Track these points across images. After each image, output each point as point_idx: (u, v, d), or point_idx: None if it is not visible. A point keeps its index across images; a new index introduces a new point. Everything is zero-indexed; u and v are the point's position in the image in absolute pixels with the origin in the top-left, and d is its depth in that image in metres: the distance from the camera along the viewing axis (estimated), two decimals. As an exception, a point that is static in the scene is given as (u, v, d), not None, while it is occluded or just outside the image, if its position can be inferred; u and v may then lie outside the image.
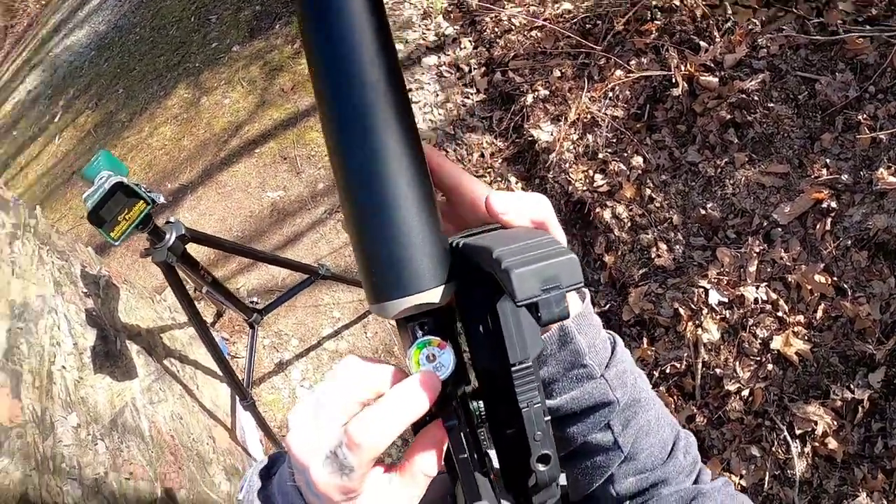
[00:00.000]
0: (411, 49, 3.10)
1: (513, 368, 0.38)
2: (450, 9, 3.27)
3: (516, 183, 2.42)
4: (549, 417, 0.39)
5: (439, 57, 3.07)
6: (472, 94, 2.83)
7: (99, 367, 1.53)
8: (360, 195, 0.36)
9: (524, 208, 0.41)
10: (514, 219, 0.40)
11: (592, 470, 0.54)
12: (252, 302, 2.28)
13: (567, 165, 2.32)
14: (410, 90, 2.89)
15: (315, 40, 0.36)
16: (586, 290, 0.50)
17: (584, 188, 2.27)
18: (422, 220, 0.37)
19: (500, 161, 2.50)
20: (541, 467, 0.38)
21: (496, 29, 2.99)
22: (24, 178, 3.85)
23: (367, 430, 0.35)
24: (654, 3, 2.49)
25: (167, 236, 1.53)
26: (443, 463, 0.40)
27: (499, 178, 2.45)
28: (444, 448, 0.39)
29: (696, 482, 0.55)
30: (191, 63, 3.73)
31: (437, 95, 2.86)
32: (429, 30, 3.23)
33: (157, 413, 1.70)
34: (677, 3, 2.48)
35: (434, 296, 0.37)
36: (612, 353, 0.53)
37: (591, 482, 0.54)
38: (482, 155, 2.53)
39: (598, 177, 2.28)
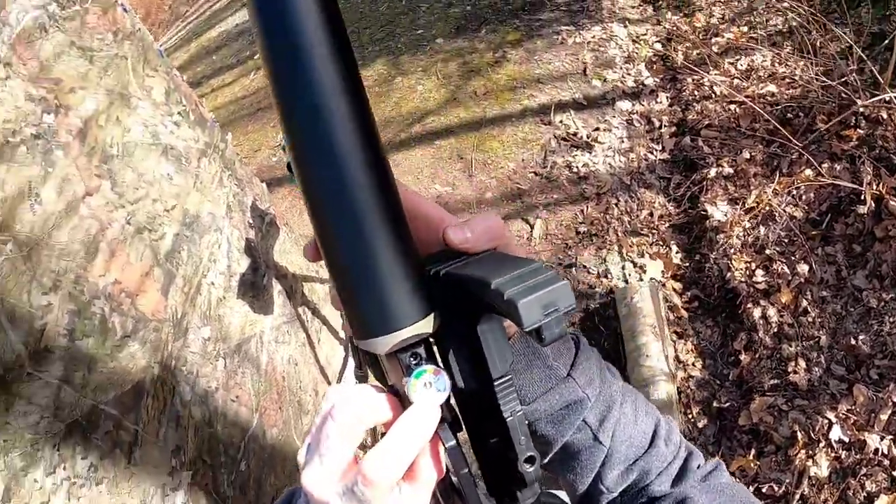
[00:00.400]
0: (608, 89, 3.45)
1: (496, 382, 0.45)
2: (654, 59, 3.58)
3: (676, 252, 2.73)
4: (527, 422, 0.48)
5: (633, 104, 3.39)
6: (657, 150, 3.14)
7: (242, 294, 1.70)
8: (340, 240, 0.41)
9: (481, 237, 0.46)
10: (474, 246, 0.46)
11: (580, 470, 0.59)
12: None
13: (732, 251, 2.58)
14: (598, 129, 3.25)
15: (273, 63, 0.39)
16: None
17: (742, 280, 2.49)
18: (402, 256, 0.41)
19: (666, 225, 2.82)
20: (528, 468, 0.45)
21: (696, 93, 3.26)
22: (212, 100, 4.49)
23: (382, 467, 0.40)
24: (861, 110, 2.58)
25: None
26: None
27: (660, 242, 2.77)
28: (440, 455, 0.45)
29: (684, 467, 0.61)
30: (394, 42, 4.24)
31: (623, 142, 3.20)
32: (629, 75, 3.56)
33: (277, 352, 1.89)
34: (884, 117, 2.58)
35: (425, 326, 0.42)
36: (577, 352, 0.58)
37: (582, 482, 0.60)
38: (651, 214, 2.86)
39: (759, 272, 2.49)
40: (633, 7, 3.98)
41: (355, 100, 0.40)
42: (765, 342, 2.35)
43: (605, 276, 2.69)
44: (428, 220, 0.51)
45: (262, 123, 4.07)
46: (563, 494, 0.74)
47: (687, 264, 2.69)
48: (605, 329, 2.54)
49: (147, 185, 1.27)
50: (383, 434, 0.43)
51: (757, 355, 2.35)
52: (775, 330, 2.37)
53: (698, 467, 0.61)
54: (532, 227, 2.94)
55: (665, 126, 3.21)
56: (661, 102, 3.36)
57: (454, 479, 0.45)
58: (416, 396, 0.43)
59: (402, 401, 0.44)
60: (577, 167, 3.13)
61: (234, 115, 4.26)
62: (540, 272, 0.39)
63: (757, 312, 2.42)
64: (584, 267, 2.74)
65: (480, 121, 3.47)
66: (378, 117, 3.68)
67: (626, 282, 2.66)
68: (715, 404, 2.31)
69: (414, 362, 0.44)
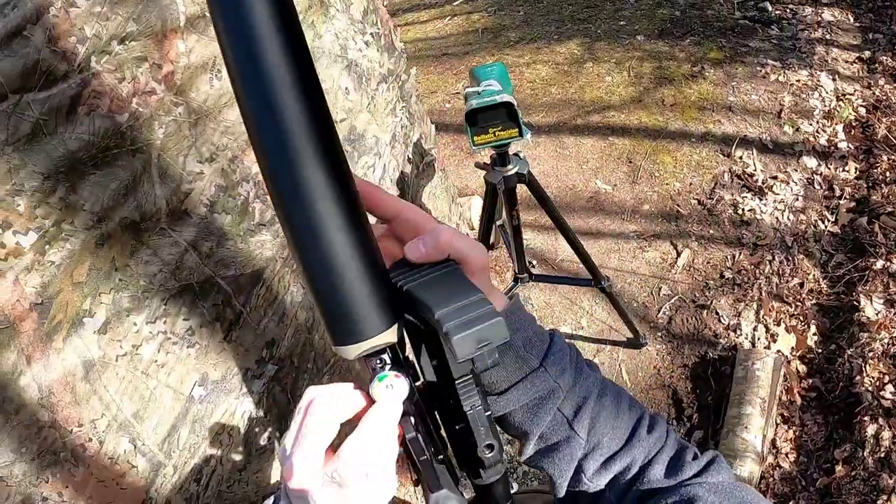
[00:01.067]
0: (798, 139, 3.21)
1: (457, 382, 0.51)
2: (854, 124, 3.30)
3: (813, 334, 2.53)
4: (489, 412, 0.52)
5: (819, 164, 3.15)
6: (829, 220, 2.91)
7: (379, 219, 1.81)
8: (309, 262, 0.46)
9: (433, 252, 0.52)
10: (431, 260, 0.52)
11: (559, 461, 0.61)
12: (529, 262, 2.68)
13: (870, 355, 2.38)
14: (776, 178, 3.04)
15: (236, 71, 0.42)
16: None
17: (870, 389, 2.30)
18: (366, 274, 0.46)
19: (812, 301, 2.61)
20: (487, 453, 0.52)
21: (888, 174, 3.00)
22: (402, 33, 4.57)
23: (358, 454, 0.47)
24: None
25: (510, 166, 1.74)
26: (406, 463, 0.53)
27: (801, 317, 2.57)
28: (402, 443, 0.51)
29: (677, 465, 0.62)
30: (593, 26, 4.14)
31: (797, 200, 2.98)
32: (824, 131, 3.30)
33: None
34: None
35: (387, 337, 0.48)
36: (550, 344, 0.61)
37: (563, 474, 0.62)
38: (801, 284, 2.66)
39: (889, 388, 2.29)
40: (847, 62, 3.65)
41: (321, 133, 0.43)
42: (867, 463, 2.16)
43: (734, 331, 2.54)
44: (408, 224, 0.56)
45: (445, 69, 4.10)
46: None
47: (819, 350, 2.49)
48: (714, 384, 2.41)
49: (325, 92, 1.29)
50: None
51: (853, 473, 2.16)
52: (882, 455, 2.17)
53: (694, 459, 0.63)
54: (679, 254, 2.82)
55: (845, 199, 2.97)
56: (848, 171, 3.10)
57: (417, 463, 0.51)
58: (377, 396, 0.49)
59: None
60: (743, 210, 2.95)
61: (420, 52, 4.33)
62: (479, 305, 0.44)
63: (871, 429, 2.22)
64: (717, 314, 2.60)
65: (660, 131, 3.33)
66: (560, 97, 3.62)
67: (753, 345, 2.49)
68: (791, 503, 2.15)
69: (379, 366, 0.50)
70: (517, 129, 1.54)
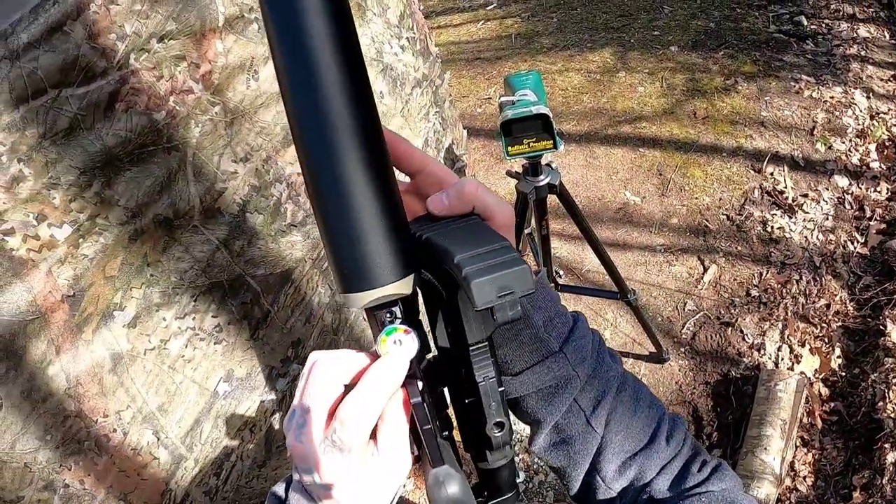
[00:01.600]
0: (830, 157, 3.15)
1: (471, 348, 0.47)
2: (887, 143, 3.23)
3: (838, 356, 2.48)
4: (502, 388, 0.48)
5: (850, 184, 3.09)
6: (858, 241, 2.86)
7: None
8: (325, 194, 0.42)
9: (456, 203, 0.48)
10: (453, 212, 0.48)
11: (574, 457, 0.58)
12: (556, 272, 2.66)
13: (894, 381, 2.33)
14: (806, 196, 2.99)
15: (273, 34, 0.40)
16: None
17: (892, 416, 2.24)
18: (386, 216, 0.43)
19: (838, 323, 2.57)
20: (496, 432, 0.47)
21: None
22: (435, 37, 4.58)
23: (354, 411, 0.42)
24: None
25: (542, 177, 1.72)
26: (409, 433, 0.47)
27: (826, 339, 2.53)
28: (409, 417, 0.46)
29: (681, 474, 0.58)
30: (626, 35, 4.11)
31: (827, 219, 2.93)
32: (856, 150, 3.24)
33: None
34: None
35: (399, 287, 0.44)
36: (573, 328, 0.57)
37: (577, 471, 0.58)
38: (828, 306, 2.61)
39: None
40: (882, 80, 3.58)
41: (347, 64, 0.40)
42: (885, 491, 2.09)
43: (758, 350, 2.50)
44: (432, 178, 0.53)
45: (477, 73, 4.10)
46: None
47: (843, 374, 2.44)
48: (735, 402, 2.37)
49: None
50: None
51: (871, 501, 2.09)
52: (904, 484, 2.12)
53: (700, 468, 0.59)
54: (705, 269, 2.78)
55: (876, 220, 2.90)
56: (879, 192, 3.03)
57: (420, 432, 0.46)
58: (383, 351, 0.45)
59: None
60: (772, 227, 2.90)
61: (452, 56, 4.33)
62: (503, 252, 0.39)
63: (891, 457, 2.16)
64: (741, 332, 2.56)
65: (691, 144, 3.29)
66: (592, 106, 3.60)
67: (777, 365, 2.45)
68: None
69: (388, 319, 0.46)
70: (552, 141, 1.52)
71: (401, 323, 0.46)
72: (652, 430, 0.59)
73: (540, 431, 0.58)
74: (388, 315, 0.46)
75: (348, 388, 0.45)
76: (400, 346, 0.45)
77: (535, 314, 0.55)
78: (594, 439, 0.57)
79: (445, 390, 0.52)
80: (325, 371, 0.45)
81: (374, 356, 0.46)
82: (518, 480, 0.55)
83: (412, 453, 0.48)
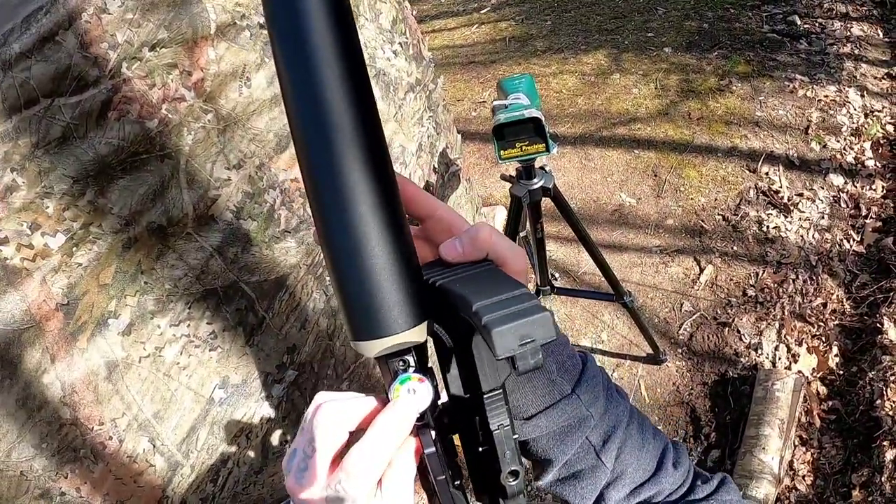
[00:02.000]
0: (825, 156, 3.16)
1: (485, 396, 0.46)
2: (882, 142, 3.25)
3: (835, 355, 2.49)
4: (517, 436, 0.47)
5: (846, 182, 3.10)
6: (854, 240, 2.87)
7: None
8: (336, 242, 0.42)
9: (471, 251, 0.47)
10: (467, 259, 0.47)
11: (582, 491, 0.58)
12: (552, 275, 2.67)
13: (892, 379, 2.32)
14: (801, 195, 3.00)
15: (283, 65, 0.40)
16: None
17: (890, 413, 2.24)
18: (399, 262, 0.42)
19: (835, 322, 2.57)
20: (511, 481, 0.46)
21: None
22: (430, 41, 4.59)
23: (360, 462, 0.41)
24: None
25: (536, 180, 1.73)
26: (420, 480, 0.47)
27: (823, 337, 2.53)
28: (419, 462, 0.45)
29: (688, 491, 0.59)
30: (620, 37, 4.12)
31: (823, 218, 2.94)
32: (851, 149, 3.25)
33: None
34: None
35: (413, 335, 0.43)
36: (583, 369, 0.57)
37: (583, 503, 0.59)
38: (824, 305, 2.62)
39: None
40: (877, 78, 3.60)
41: (361, 109, 0.40)
42: (884, 489, 2.10)
43: (755, 350, 2.50)
44: (442, 223, 0.52)
45: (472, 76, 4.11)
46: None
47: (841, 372, 2.44)
48: (733, 402, 2.38)
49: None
50: None
51: (870, 499, 2.10)
52: (903, 481, 2.12)
53: (705, 482, 0.60)
54: (702, 270, 2.79)
55: (871, 218, 2.91)
56: (875, 190, 3.04)
57: (433, 483, 0.45)
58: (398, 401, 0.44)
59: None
60: (767, 227, 2.91)
61: (446, 60, 4.34)
62: (523, 300, 0.38)
63: (890, 454, 2.17)
64: (738, 332, 2.57)
65: (686, 145, 3.30)
66: (586, 108, 3.61)
67: (774, 364, 2.46)
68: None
69: (401, 368, 0.45)
70: (544, 145, 1.53)
71: (414, 371, 0.45)
72: (658, 459, 0.59)
73: (550, 469, 0.58)
74: (401, 363, 0.45)
75: (354, 433, 0.45)
76: (414, 396, 0.44)
77: (547, 359, 0.56)
78: (603, 474, 0.57)
79: (456, 437, 0.51)
80: (330, 415, 0.44)
81: (383, 401, 0.45)
82: None
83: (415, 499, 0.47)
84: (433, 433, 0.45)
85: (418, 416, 0.44)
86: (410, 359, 0.45)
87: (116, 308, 0.88)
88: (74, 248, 0.82)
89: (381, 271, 0.42)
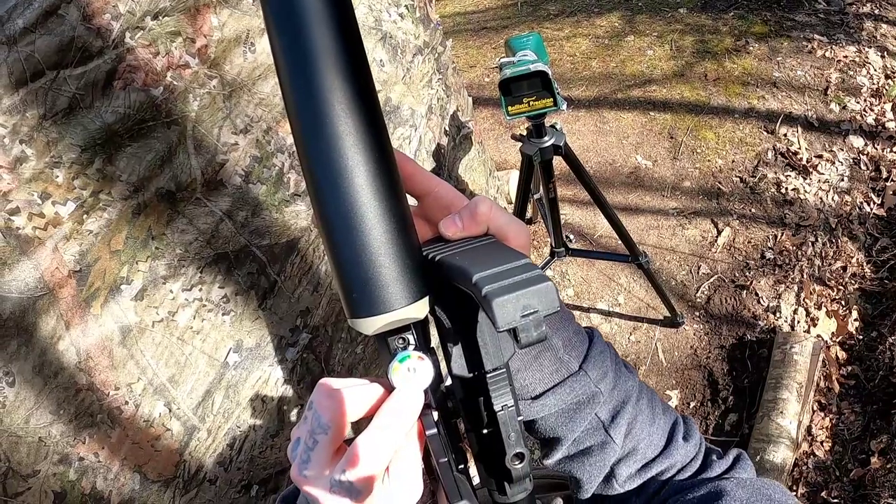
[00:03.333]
0: (845, 118, 3.11)
1: (488, 375, 0.45)
2: (903, 103, 3.21)
3: (855, 319, 2.47)
4: (521, 417, 0.46)
5: (866, 144, 3.04)
6: (874, 202, 2.82)
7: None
8: (332, 214, 0.40)
9: (470, 225, 0.46)
10: (467, 234, 0.46)
11: (591, 468, 0.57)
12: (567, 236, 2.66)
13: (915, 341, 2.32)
14: (821, 156, 2.96)
15: (279, 40, 0.39)
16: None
17: None
18: (396, 235, 0.41)
19: (855, 286, 2.55)
20: (516, 464, 0.44)
21: None
22: (440, 7, 4.54)
23: (367, 451, 0.39)
24: None
25: (546, 138, 1.70)
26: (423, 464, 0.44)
27: (842, 301, 2.51)
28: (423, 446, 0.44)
29: (703, 466, 0.59)
30: (635, -1, 4.05)
31: (842, 181, 2.90)
32: (871, 110, 3.18)
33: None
34: None
35: (413, 311, 0.42)
36: (590, 345, 0.56)
37: (593, 480, 0.57)
38: (844, 268, 2.59)
39: None
40: (896, 38, 3.52)
41: (355, 79, 0.39)
42: (906, 455, 2.10)
43: (773, 314, 2.49)
44: (440, 201, 0.51)
45: (484, 42, 4.06)
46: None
47: (860, 337, 2.42)
48: (751, 366, 2.37)
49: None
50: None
51: (889, 465, 2.09)
52: (926, 447, 2.11)
53: (720, 458, 0.59)
54: (719, 232, 2.76)
55: (892, 180, 2.86)
56: (895, 152, 3.00)
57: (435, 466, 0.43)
58: (397, 381, 0.42)
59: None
60: (786, 189, 2.87)
61: (458, 26, 4.29)
62: (525, 269, 0.37)
63: (914, 418, 2.16)
64: (756, 295, 2.55)
65: (702, 106, 3.25)
66: (601, 71, 3.56)
67: (793, 328, 2.44)
68: (823, 494, 2.10)
69: (401, 346, 0.43)
70: (552, 99, 1.50)
71: (414, 349, 0.43)
72: (668, 434, 0.59)
73: (558, 447, 0.57)
74: (400, 341, 0.43)
75: (358, 422, 0.43)
76: (415, 375, 0.42)
77: (553, 336, 0.54)
78: (613, 450, 0.56)
79: (459, 420, 0.50)
80: (333, 403, 0.42)
81: (388, 387, 0.43)
82: None
83: (424, 484, 0.45)
84: (435, 414, 0.44)
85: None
86: (410, 336, 0.43)
87: (129, 274, 0.89)
88: (85, 216, 0.83)
89: (379, 244, 0.40)
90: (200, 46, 0.95)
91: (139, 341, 0.92)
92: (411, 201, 0.50)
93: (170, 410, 0.98)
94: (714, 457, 0.59)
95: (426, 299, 0.43)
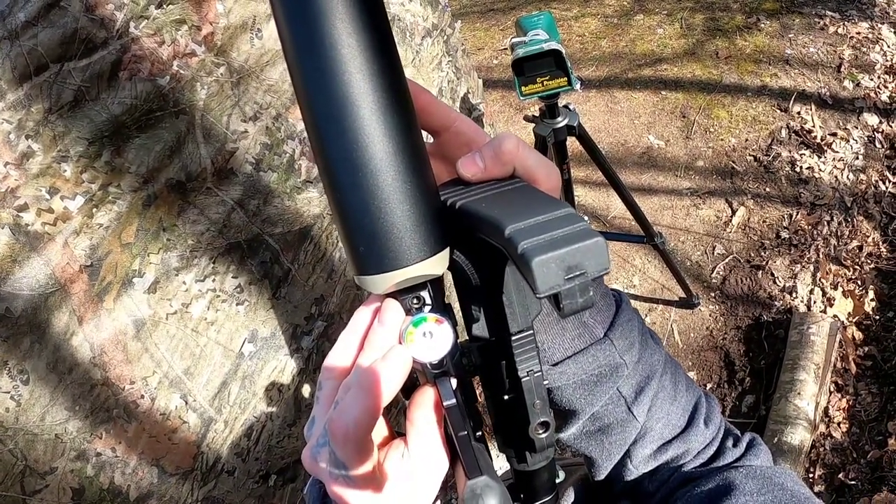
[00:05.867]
0: (858, 95, 3.05)
1: (513, 338, 0.40)
2: (918, 80, 3.15)
3: (871, 300, 2.43)
4: (547, 382, 0.42)
5: (881, 122, 2.99)
6: (890, 181, 2.78)
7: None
8: (334, 153, 0.34)
9: (494, 166, 0.39)
10: (490, 176, 0.40)
11: (609, 446, 0.53)
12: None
13: (933, 323, 2.28)
14: (835, 134, 2.91)
15: None
16: None
17: None
18: (409, 178, 0.35)
19: (871, 266, 2.51)
20: (541, 433, 0.40)
21: None
22: (453, -13, 4.48)
23: (340, 423, 0.35)
24: None
25: (560, 118, 1.67)
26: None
27: (859, 281, 2.47)
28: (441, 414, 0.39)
29: (717, 453, 0.55)
30: (644, -24, 3.99)
31: (857, 159, 2.85)
32: (885, 87, 3.13)
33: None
34: None
35: (430, 267, 0.36)
36: (617, 311, 0.51)
37: (610, 460, 0.53)
38: (860, 248, 2.55)
39: None
40: (909, 14, 3.45)
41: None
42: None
43: (790, 294, 2.46)
44: (460, 137, 0.45)
45: (491, 24, 4.01)
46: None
47: (877, 317, 2.39)
48: (767, 347, 2.35)
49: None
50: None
51: (916, 441, 2.08)
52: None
53: (734, 445, 0.55)
54: (734, 212, 2.73)
55: (909, 159, 2.82)
56: (911, 130, 2.94)
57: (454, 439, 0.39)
58: (413, 346, 0.37)
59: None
60: (800, 167, 2.83)
61: (465, 9, 4.24)
62: (568, 221, 0.30)
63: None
64: (772, 275, 2.52)
65: (715, 84, 3.20)
66: (610, 51, 3.51)
67: (809, 308, 2.41)
68: (841, 475, 2.08)
69: (416, 306, 0.38)
70: (566, 79, 1.45)
71: (431, 311, 0.38)
72: (690, 414, 0.54)
73: (574, 421, 0.51)
74: (415, 301, 0.38)
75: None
76: (430, 340, 0.37)
77: None
78: (634, 428, 0.51)
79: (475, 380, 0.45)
80: (330, 384, 0.39)
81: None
82: (557, 481, 0.49)
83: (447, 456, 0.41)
84: (453, 382, 0.38)
85: (436, 362, 0.38)
86: (426, 295, 0.38)
87: (141, 266, 0.88)
88: (94, 210, 0.82)
89: (390, 188, 0.34)
90: (206, 34, 0.92)
91: (153, 334, 0.90)
92: (426, 138, 0.44)
93: (186, 403, 0.97)
94: (730, 442, 0.55)
95: (445, 252, 0.37)
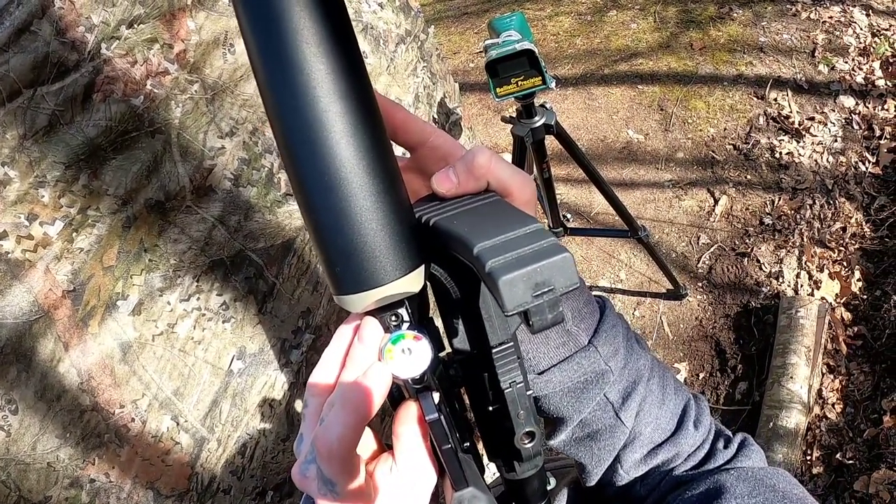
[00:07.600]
0: (834, 78, 3.10)
1: (493, 350, 0.41)
2: (891, 60, 3.18)
3: (857, 280, 2.46)
4: (531, 392, 0.42)
5: (857, 104, 3.04)
6: (869, 161, 2.82)
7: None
8: (306, 173, 0.35)
9: (468, 181, 0.40)
10: (464, 191, 0.40)
11: (598, 452, 0.53)
12: (564, 216, 2.64)
13: (921, 300, 2.31)
14: (812, 119, 2.94)
15: None
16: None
17: None
18: (382, 197, 0.35)
19: (856, 246, 2.54)
20: (526, 443, 0.41)
21: None
22: (426, -6, 4.51)
23: (324, 440, 0.36)
24: None
25: (537, 118, 1.69)
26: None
27: (844, 262, 2.50)
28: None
29: (707, 455, 0.55)
30: (616, -29, 4.02)
31: (836, 141, 2.89)
32: (860, 69, 3.18)
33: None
34: None
35: (406, 284, 0.37)
36: (601, 317, 0.52)
37: (599, 466, 0.54)
38: (843, 229, 2.58)
39: None
40: (880, -4, 3.51)
41: (327, 14, 0.33)
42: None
43: (776, 279, 2.48)
44: (436, 152, 0.45)
45: (466, 28, 4.03)
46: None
47: (864, 297, 2.42)
48: (757, 333, 2.37)
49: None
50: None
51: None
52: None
53: (725, 446, 0.55)
54: (716, 201, 2.76)
55: (885, 138, 2.86)
56: (887, 110, 2.99)
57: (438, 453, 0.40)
58: (392, 363, 0.37)
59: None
60: (780, 153, 2.86)
61: (439, 14, 4.26)
62: (536, 237, 0.31)
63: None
64: (758, 261, 2.54)
65: (690, 76, 3.24)
66: (585, 48, 3.54)
67: (796, 292, 2.44)
68: (838, 456, 2.11)
69: (394, 323, 0.39)
70: (540, 78, 1.48)
71: (409, 328, 0.38)
72: (679, 417, 0.55)
73: (563, 428, 0.52)
74: (392, 318, 0.39)
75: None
76: (409, 357, 0.37)
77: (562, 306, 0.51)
78: (622, 433, 0.52)
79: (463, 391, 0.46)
80: (315, 401, 0.40)
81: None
82: (548, 488, 0.49)
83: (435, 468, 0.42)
84: (436, 396, 0.39)
85: (417, 377, 0.38)
86: (404, 312, 0.39)
87: (124, 289, 0.88)
88: (74, 234, 0.82)
89: (362, 209, 0.35)
90: (179, 51, 0.93)
91: (140, 356, 0.90)
92: (399, 152, 0.44)
93: (177, 423, 0.97)
94: (720, 444, 0.56)
95: (421, 270, 0.38)
